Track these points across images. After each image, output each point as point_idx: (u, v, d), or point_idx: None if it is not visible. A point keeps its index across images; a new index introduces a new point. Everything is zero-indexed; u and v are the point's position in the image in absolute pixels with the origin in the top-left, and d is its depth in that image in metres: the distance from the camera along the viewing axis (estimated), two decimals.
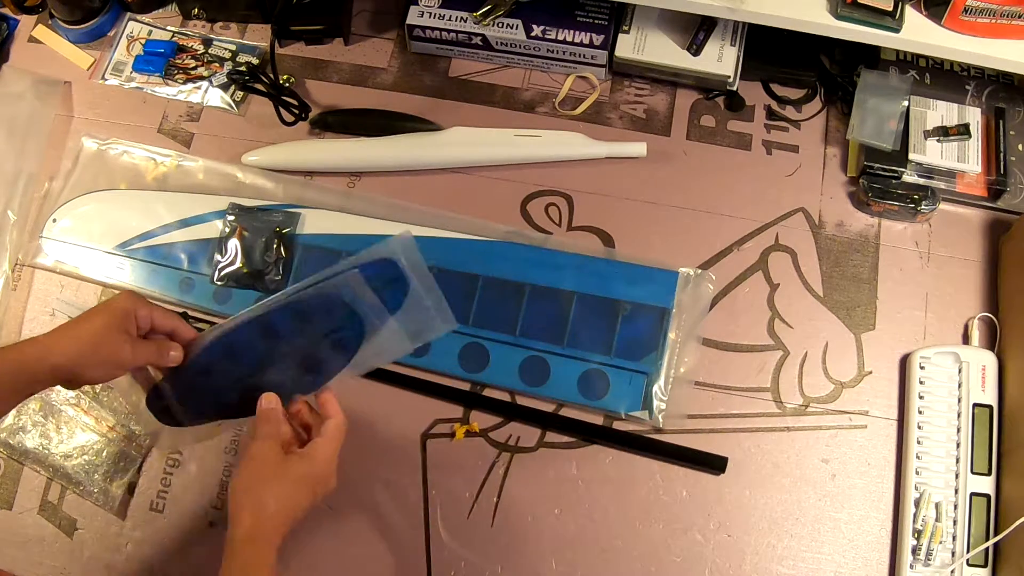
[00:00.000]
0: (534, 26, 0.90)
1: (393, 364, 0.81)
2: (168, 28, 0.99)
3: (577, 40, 0.89)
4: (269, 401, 0.68)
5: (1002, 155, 0.82)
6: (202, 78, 0.95)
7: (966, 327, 0.80)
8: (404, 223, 0.85)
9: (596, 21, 0.90)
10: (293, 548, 0.76)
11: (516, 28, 0.90)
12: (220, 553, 0.76)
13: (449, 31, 0.91)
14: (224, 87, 0.94)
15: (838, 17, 0.77)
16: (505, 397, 0.80)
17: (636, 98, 0.91)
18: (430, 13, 0.91)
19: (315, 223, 0.87)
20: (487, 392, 0.81)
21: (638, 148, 0.87)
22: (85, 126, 0.95)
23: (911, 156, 0.82)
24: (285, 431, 0.66)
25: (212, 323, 0.83)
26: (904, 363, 0.79)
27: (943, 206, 0.83)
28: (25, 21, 1.01)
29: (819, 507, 0.75)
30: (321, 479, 0.64)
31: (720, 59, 0.87)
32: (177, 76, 0.96)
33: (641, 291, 0.81)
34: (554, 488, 0.77)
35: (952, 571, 0.71)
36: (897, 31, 0.77)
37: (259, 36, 0.98)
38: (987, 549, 0.71)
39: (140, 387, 0.72)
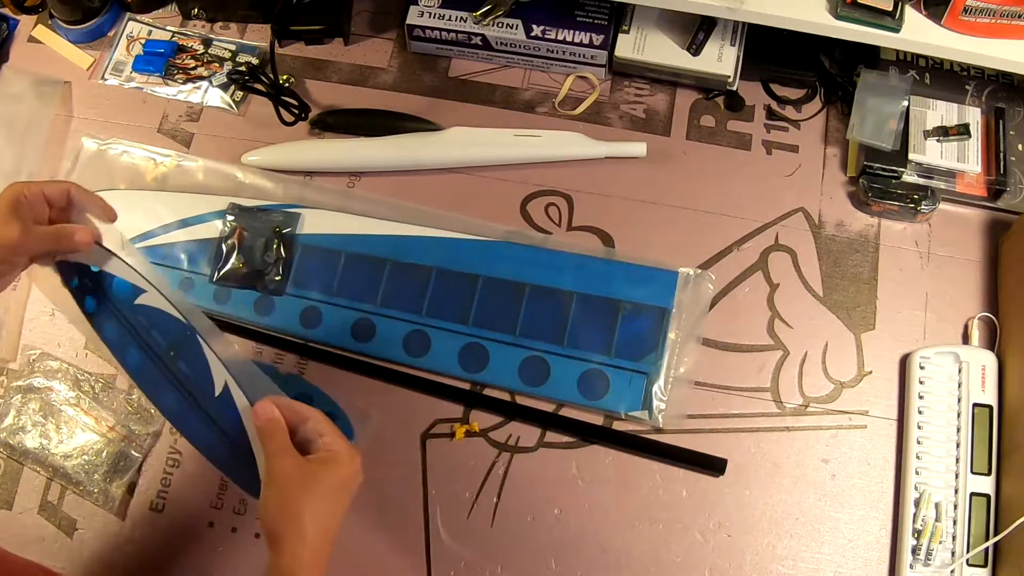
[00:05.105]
0: (534, 26, 0.90)
1: (393, 364, 0.82)
2: (168, 28, 0.99)
3: (577, 40, 0.89)
4: (267, 411, 0.62)
5: (1002, 155, 0.82)
6: (202, 78, 0.95)
7: (966, 327, 0.80)
8: (404, 223, 0.85)
9: (596, 21, 0.90)
10: None
11: (516, 28, 0.90)
12: (220, 553, 0.77)
13: (449, 31, 0.91)
14: (224, 87, 0.94)
15: (838, 17, 0.77)
16: (505, 397, 0.80)
17: (636, 98, 0.91)
18: (430, 13, 0.91)
19: (315, 223, 0.87)
20: (487, 392, 0.81)
21: (638, 148, 0.87)
22: (85, 126, 0.94)
23: (911, 156, 0.82)
24: (290, 439, 0.61)
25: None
26: (904, 363, 0.79)
27: (943, 206, 0.83)
28: (25, 21, 1.01)
29: (819, 507, 0.75)
30: (353, 477, 0.61)
31: (720, 59, 0.87)
32: (177, 76, 0.96)
33: (641, 291, 0.81)
34: (554, 488, 0.77)
35: (952, 571, 0.71)
36: (897, 31, 0.77)
37: (259, 36, 0.98)
38: (987, 549, 0.71)
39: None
